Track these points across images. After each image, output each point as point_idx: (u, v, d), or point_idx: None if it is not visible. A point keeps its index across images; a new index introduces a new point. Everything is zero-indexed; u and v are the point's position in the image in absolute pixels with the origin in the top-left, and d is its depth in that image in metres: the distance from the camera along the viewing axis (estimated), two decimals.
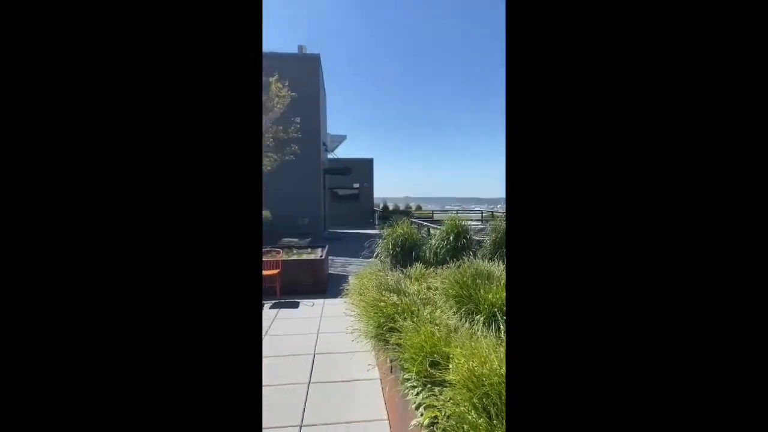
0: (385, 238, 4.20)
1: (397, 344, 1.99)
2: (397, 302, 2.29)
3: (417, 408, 1.66)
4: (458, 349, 1.71)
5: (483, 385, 1.46)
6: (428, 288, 2.81)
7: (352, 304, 2.95)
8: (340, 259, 8.44)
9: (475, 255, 3.89)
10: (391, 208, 20.58)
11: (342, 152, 19.33)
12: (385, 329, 2.16)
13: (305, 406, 2.48)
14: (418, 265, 3.54)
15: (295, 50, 13.43)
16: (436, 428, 1.48)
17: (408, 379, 1.83)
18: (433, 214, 19.08)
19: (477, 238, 4.44)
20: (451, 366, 1.65)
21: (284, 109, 10.47)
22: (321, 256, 6.05)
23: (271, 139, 10.40)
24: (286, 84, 10.53)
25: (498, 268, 2.98)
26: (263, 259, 5.53)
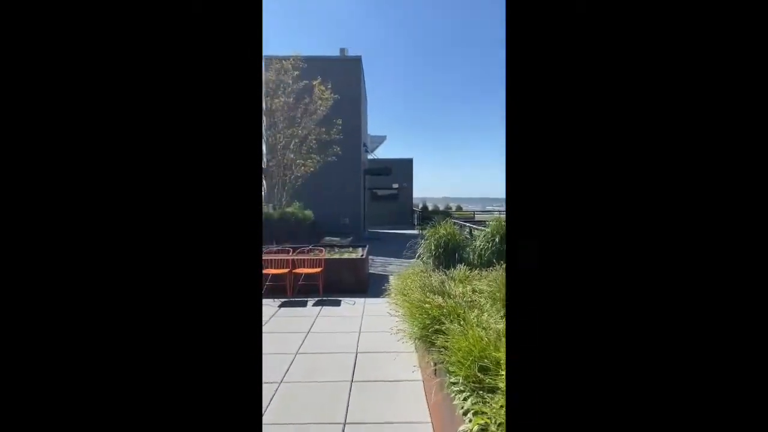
0: (427, 239, 4.15)
1: (443, 347, 1.95)
2: (443, 304, 2.24)
3: (465, 414, 1.61)
4: None
5: None
6: (473, 291, 2.73)
7: (395, 304, 2.94)
8: (379, 259, 8.49)
9: None
10: (430, 208, 20.41)
11: (382, 153, 19.47)
12: (430, 331, 2.12)
13: (348, 404, 2.50)
14: (461, 267, 3.47)
15: (337, 53, 13.67)
16: None
17: (455, 383, 1.78)
18: (474, 214, 18.69)
19: None
20: (503, 372, 1.59)
21: (327, 111, 10.69)
22: (362, 255, 6.11)
23: (314, 141, 10.65)
24: (329, 86, 10.75)
25: None
26: (305, 257, 5.67)
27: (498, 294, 2.48)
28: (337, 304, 4.98)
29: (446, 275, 3.08)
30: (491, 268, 3.43)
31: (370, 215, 17.11)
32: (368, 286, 5.85)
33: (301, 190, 10.80)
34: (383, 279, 6.46)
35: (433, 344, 2.08)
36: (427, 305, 2.28)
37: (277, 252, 5.90)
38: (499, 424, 1.42)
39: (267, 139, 10.84)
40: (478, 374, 1.69)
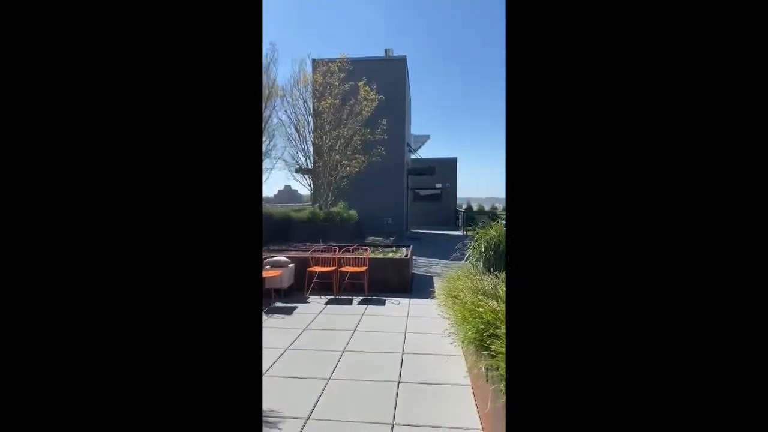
0: (476, 241, 4.04)
1: (499, 352, 1.87)
2: (497, 309, 2.16)
3: None
4: None
5: None
6: None
7: (445, 306, 2.88)
8: (422, 260, 8.42)
9: None
10: (475, 208, 19.96)
11: (425, 152, 19.33)
12: (485, 335, 2.05)
13: (396, 405, 2.49)
14: None
15: (382, 54, 13.75)
16: None
17: None
18: None
19: None
20: None
21: (371, 111, 10.77)
22: (406, 255, 6.08)
23: (359, 142, 10.78)
24: (374, 87, 10.83)
25: None
26: (350, 256, 5.74)
27: None
28: (382, 303, 4.99)
29: (497, 278, 2.98)
30: None
31: (412, 215, 17.04)
32: (412, 286, 5.81)
33: (346, 190, 10.98)
34: (427, 280, 6.39)
35: (487, 349, 2.01)
36: (481, 309, 2.21)
37: (323, 250, 6.03)
38: None
39: (314, 140, 11.13)
40: None
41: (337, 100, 10.56)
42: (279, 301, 5.04)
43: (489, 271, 3.55)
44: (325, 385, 2.76)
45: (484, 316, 2.14)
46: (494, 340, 1.96)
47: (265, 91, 10.42)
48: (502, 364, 1.83)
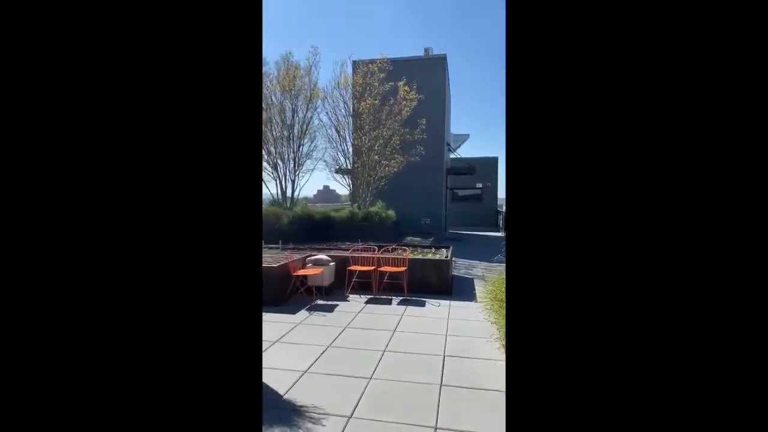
0: None
1: None
2: None
3: None
4: None
5: None
6: None
7: (491, 310, 2.79)
8: (462, 261, 8.26)
9: None
10: None
11: (465, 151, 18.97)
12: None
13: (438, 409, 2.45)
14: None
15: (421, 53, 13.65)
16: None
17: None
18: None
19: None
20: None
21: (411, 111, 10.73)
22: (447, 256, 5.99)
23: (398, 142, 10.78)
24: (414, 87, 10.77)
25: None
26: (390, 256, 5.74)
27: None
28: (422, 304, 4.95)
29: None
30: None
31: (451, 215, 16.79)
32: (452, 288, 5.72)
33: (385, 189, 11.01)
34: (467, 282, 6.26)
35: None
36: None
37: (362, 250, 6.08)
38: None
39: (353, 141, 11.27)
40: None
41: (377, 101, 10.61)
42: (320, 299, 5.15)
43: None
44: (367, 385, 2.77)
45: None
46: None
47: (306, 94, 10.69)
48: None
